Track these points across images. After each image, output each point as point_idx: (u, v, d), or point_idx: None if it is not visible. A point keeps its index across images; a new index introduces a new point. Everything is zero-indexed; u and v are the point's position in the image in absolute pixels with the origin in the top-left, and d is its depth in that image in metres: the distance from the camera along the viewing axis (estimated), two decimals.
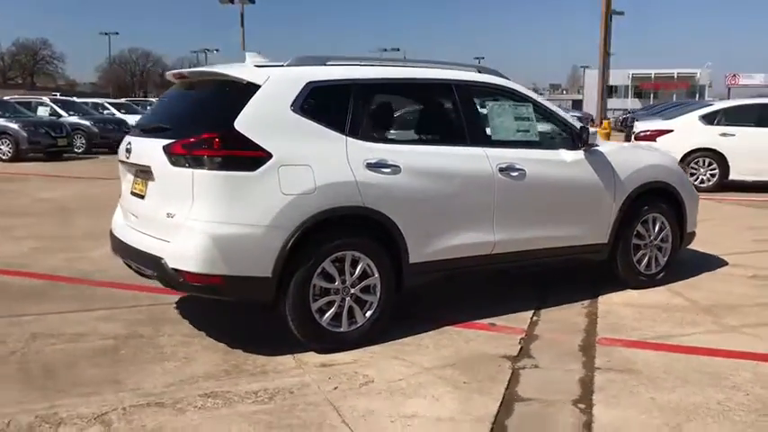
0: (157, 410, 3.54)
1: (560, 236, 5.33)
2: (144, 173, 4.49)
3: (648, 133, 12.98)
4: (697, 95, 66.76)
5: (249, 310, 5.08)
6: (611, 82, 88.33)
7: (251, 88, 4.20)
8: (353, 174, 4.29)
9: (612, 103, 62.22)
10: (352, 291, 4.38)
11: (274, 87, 4.24)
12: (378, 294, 4.45)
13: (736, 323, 5.01)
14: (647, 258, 5.92)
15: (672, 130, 12.82)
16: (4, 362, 4.21)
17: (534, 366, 4.19)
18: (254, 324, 4.95)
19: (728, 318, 5.13)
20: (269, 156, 4.06)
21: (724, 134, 12.40)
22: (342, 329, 4.36)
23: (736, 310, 5.31)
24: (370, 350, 4.39)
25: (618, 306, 5.44)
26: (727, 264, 6.78)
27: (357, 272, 4.37)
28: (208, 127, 4.11)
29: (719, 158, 12.39)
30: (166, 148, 4.15)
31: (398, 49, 69.84)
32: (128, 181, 4.81)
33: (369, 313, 4.44)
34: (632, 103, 79.92)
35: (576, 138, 5.39)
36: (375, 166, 4.38)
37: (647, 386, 3.87)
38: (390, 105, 4.85)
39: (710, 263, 6.76)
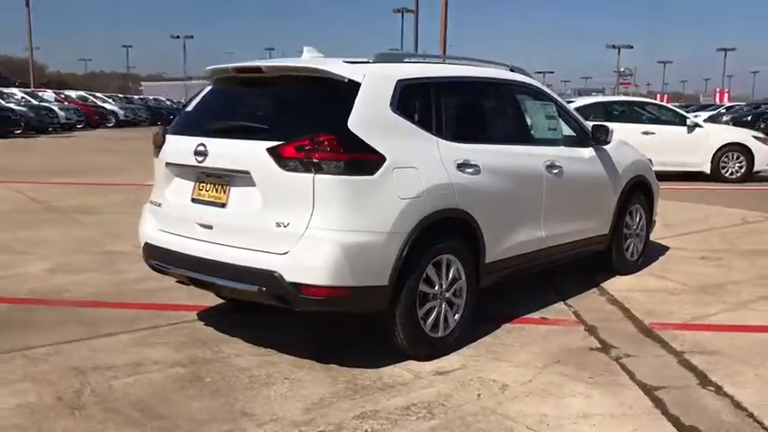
0: None
1: (582, 229, 5.60)
2: (224, 177, 4.01)
3: None
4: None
5: (284, 320, 4.75)
6: None
7: (351, 86, 3.92)
8: (449, 175, 4.19)
9: None
10: (447, 295, 4.27)
11: (374, 86, 4.00)
12: (464, 297, 4.38)
13: (737, 300, 5.59)
14: (632, 246, 6.39)
15: None
16: (80, 405, 3.55)
17: (627, 355, 4.36)
18: (306, 334, 4.67)
19: (727, 296, 5.71)
20: (383, 158, 3.83)
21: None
22: (439, 335, 4.25)
23: (724, 290, 5.91)
24: (463, 354, 4.31)
25: (626, 292, 5.81)
26: (668, 248, 7.50)
27: (450, 275, 4.27)
28: (319, 127, 3.77)
29: None
30: (274, 151, 3.74)
31: None
32: (182, 187, 4.26)
33: (457, 316, 4.37)
34: None
35: (590, 136, 5.67)
36: (462, 167, 4.30)
37: (741, 364, 4.21)
38: (465, 104, 4.77)
39: (654, 249, 7.41)
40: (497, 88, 5.05)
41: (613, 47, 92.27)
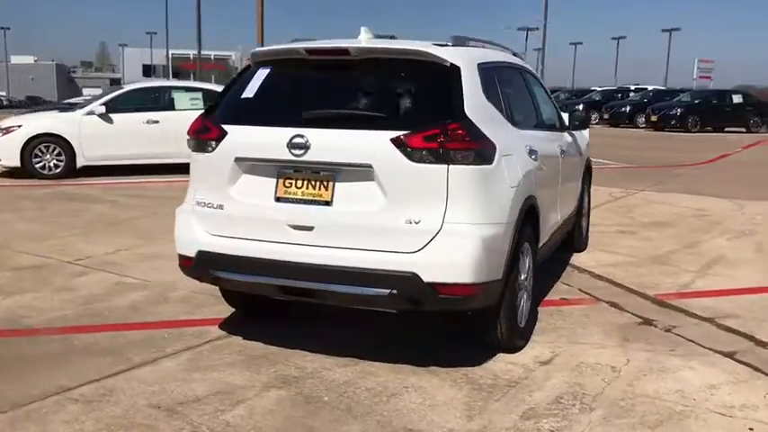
0: None
1: (569, 211, 5.85)
2: (324, 172, 3.57)
3: None
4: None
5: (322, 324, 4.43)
6: (153, 61, 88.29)
7: (454, 71, 3.70)
8: (529, 162, 4.16)
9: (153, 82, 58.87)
10: (526, 283, 4.24)
11: (470, 70, 3.81)
12: (530, 284, 4.38)
13: (695, 268, 6.20)
14: (585, 224, 6.81)
15: None
16: None
17: (672, 326, 4.63)
18: (360, 337, 4.37)
19: (682, 265, 6.31)
20: (495, 146, 3.68)
21: None
22: (522, 325, 4.20)
23: (673, 259, 6.52)
24: (538, 341, 4.30)
25: (600, 268, 6.16)
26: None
27: (527, 263, 4.25)
28: (439, 115, 3.53)
29: None
30: (402, 142, 3.41)
31: None
32: (257, 184, 3.71)
33: (529, 304, 4.35)
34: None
35: (566, 120, 5.91)
36: (530, 153, 4.29)
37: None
38: (515, 90, 4.69)
39: None
40: (524, 74, 5.07)
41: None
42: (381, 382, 3.66)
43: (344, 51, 3.76)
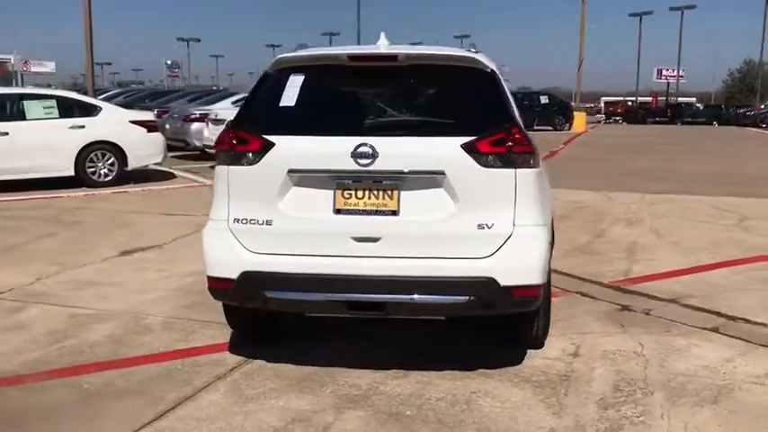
0: None
1: None
2: (388, 181, 3.47)
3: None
4: (14, 80, 61.98)
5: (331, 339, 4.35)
6: None
7: (492, 77, 3.77)
8: None
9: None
10: None
11: (500, 75, 3.91)
12: None
13: (619, 256, 6.76)
14: None
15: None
16: None
17: (650, 310, 5.01)
18: (376, 347, 4.30)
19: (611, 253, 6.85)
20: (536, 148, 3.81)
21: None
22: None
23: (596, 248, 7.07)
24: (552, 334, 4.47)
25: None
26: None
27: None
28: (496, 120, 3.58)
29: None
30: (472, 147, 3.42)
31: None
32: (311, 197, 3.52)
33: None
34: None
35: None
36: None
37: (735, 294, 5.26)
38: None
39: None
40: None
41: (182, 40, 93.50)
42: (446, 391, 3.64)
43: (393, 57, 3.68)
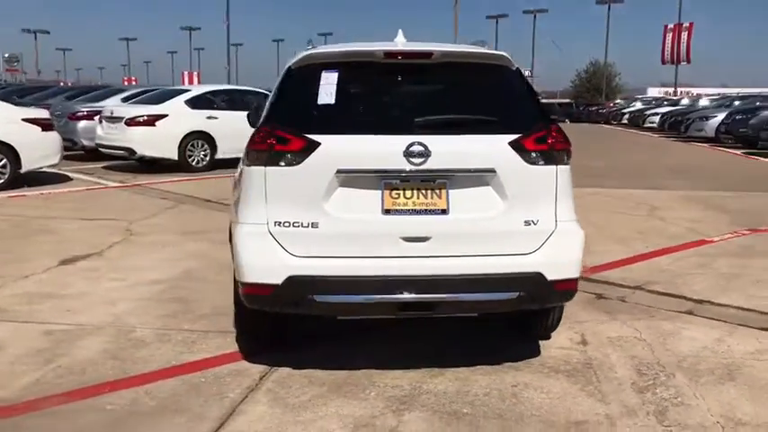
0: None
1: None
2: (437, 180, 3.45)
3: (145, 118, 12.87)
4: None
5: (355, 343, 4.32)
6: None
7: (518, 75, 3.86)
8: None
9: None
10: None
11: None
12: None
13: None
14: None
15: (166, 115, 13.07)
16: None
17: (624, 298, 5.32)
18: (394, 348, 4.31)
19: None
20: None
21: (210, 117, 13.49)
22: None
23: None
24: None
25: None
26: None
27: None
28: (533, 116, 3.67)
29: (209, 140, 13.43)
30: (519, 145, 3.47)
31: None
32: (358, 197, 3.43)
33: None
34: None
35: None
36: None
37: (694, 276, 5.67)
38: None
39: None
40: None
41: (29, 31, 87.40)
42: (487, 386, 3.68)
43: (428, 54, 3.65)
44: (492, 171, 3.47)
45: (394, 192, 3.44)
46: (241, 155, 3.72)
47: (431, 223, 3.44)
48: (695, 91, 58.74)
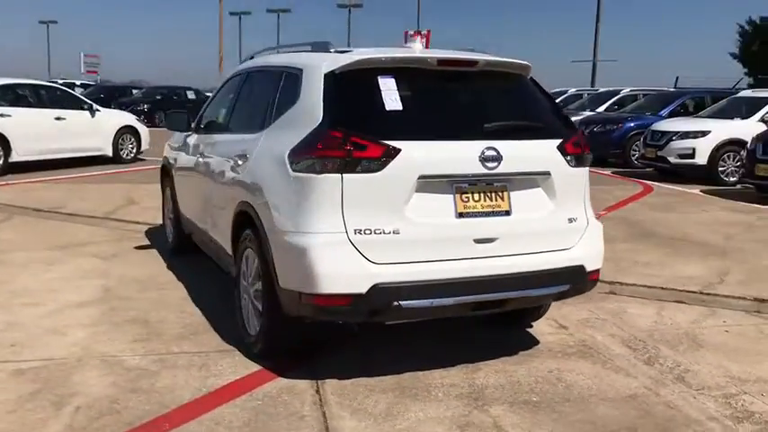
0: None
1: None
2: (499, 183, 3.62)
3: None
4: None
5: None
6: None
7: (535, 83, 4.17)
8: None
9: None
10: None
11: None
12: None
13: None
14: None
15: None
16: None
17: None
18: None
19: None
20: None
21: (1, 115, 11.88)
22: None
23: None
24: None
25: None
26: None
27: None
28: (562, 121, 4.02)
29: (2, 140, 11.83)
30: (564, 149, 3.78)
31: None
32: (432, 202, 3.48)
33: None
34: None
35: None
36: None
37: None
38: None
39: None
40: None
41: None
42: (530, 374, 3.93)
43: (473, 63, 3.79)
44: (547, 173, 3.73)
45: (464, 195, 3.55)
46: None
47: (497, 224, 3.61)
48: None
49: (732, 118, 14.27)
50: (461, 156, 3.52)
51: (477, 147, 3.52)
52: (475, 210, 3.57)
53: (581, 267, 3.83)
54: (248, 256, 4.06)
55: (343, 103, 3.55)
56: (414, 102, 3.59)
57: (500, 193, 3.64)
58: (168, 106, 29.16)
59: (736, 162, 13.51)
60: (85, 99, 14.15)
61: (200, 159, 5.17)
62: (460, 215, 3.54)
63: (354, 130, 3.40)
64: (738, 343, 4.57)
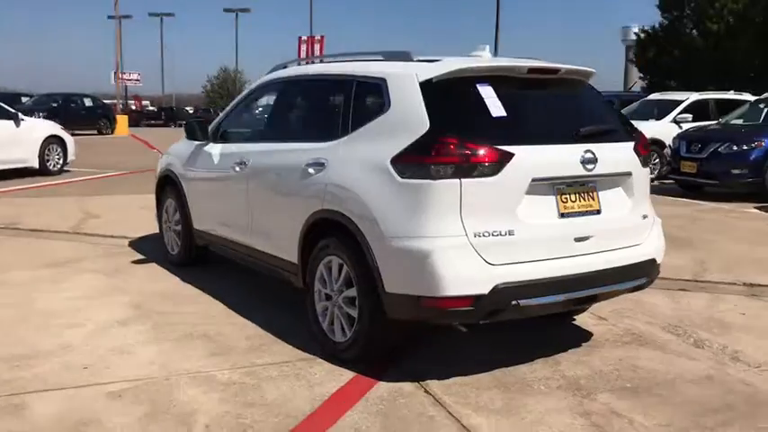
0: None
1: None
2: (589, 183, 3.85)
3: None
4: None
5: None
6: None
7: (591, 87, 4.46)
8: None
9: None
10: None
11: None
12: None
13: None
14: None
15: None
16: None
17: None
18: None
19: None
20: None
21: None
22: None
23: None
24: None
25: None
26: None
27: None
28: (624, 124, 4.32)
29: None
30: (638, 150, 4.07)
31: None
32: (539, 203, 3.66)
33: None
34: None
35: None
36: None
37: None
38: None
39: None
40: None
41: None
42: (608, 364, 4.15)
43: (556, 71, 4.00)
44: (629, 174, 4.01)
45: (563, 196, 3.76)
46: None
47: (591, 223, 3.84)
48: None
49: (647, 119, 15.31)
50: (565, 159, 3.73)
51: (577, 150, 3.75)
52: (573, 210, 3.79)
53: (654, 261, 4.13)
54: (331, 263, 4.08)
55: (448, 111, 3.67)
56: (511, 108, 3.76)
57: (591, 194, 3.87)
58: (66, 114, 27.84)
59: (655, 160, 14.53)
60: (9, 108, 13.26)
61: (237, 170, 5.07)
62: (562, 215, 3.75)
63: (465, 136, 3.52)
64: (760, 323, 5.03)
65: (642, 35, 35.86)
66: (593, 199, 3.88)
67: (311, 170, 4.23)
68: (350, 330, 3.99)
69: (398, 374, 3.91)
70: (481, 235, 3.50)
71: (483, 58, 4.14)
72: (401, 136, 3.68)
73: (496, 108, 3.66)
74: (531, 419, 3.43)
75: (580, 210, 3.82)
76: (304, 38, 65.22)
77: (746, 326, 4.96)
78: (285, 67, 5.23)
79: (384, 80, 3.96)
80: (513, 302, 3.55)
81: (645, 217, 4.16)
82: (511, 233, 3.56)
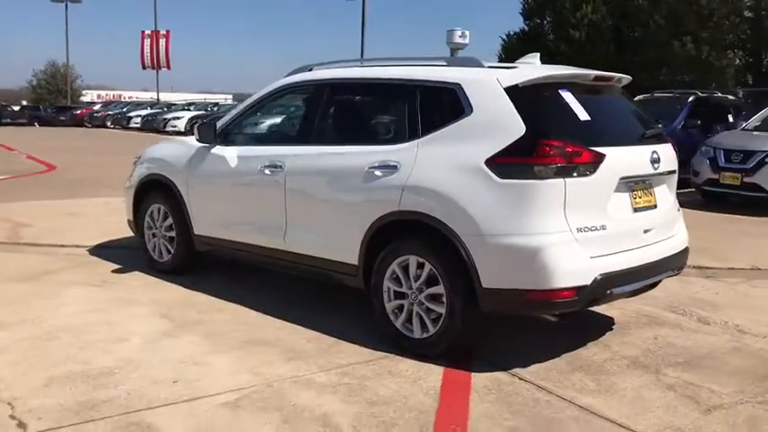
0: None
1: None
2: (648, 181, 4.30)
3: None
4: None
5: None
6: None
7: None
8: None
9: None
10: None
11: None
12: None
13: None
14: None
15: None
16: None
17: None
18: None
19: None
20: None
21: None
22: None
23: None
24: None
25: None
26: None
27: None
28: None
29: None
30: (674, 150, 4.60)
31: None
32: (619, 200, 4.07)
33: None
34: None
35: None
36: None
37: None
38: None
39: None
40: None
41: None
42: (646, 343, 4.62)
43: (611, 78, 4.42)
44: (674, 172, 4.52)
45: (634, 192, 4.19)
46: None
47: (652, 216, 4.31)
48: (177, 96, 62.14)
49: None
50: (641, 158, 4.20)
51: (647, 150, 4.24)
52: (641, 205, 4.23)
53: (687, 249, 4.67)
54: (408, 263, 4.20)
55: (539, 114, 3.96)
56: (591, 111, 4.10)
57: (650, 190, 4.33)
58: None
59: None
60: None
61: (268, 172, 5.00)
62: (635, 210, 4.17)
63: (560, 139, 3.82)
64: (737, 300, 5.75)
65: (507, 39, 38.05)
66: (652, 195, 4.35)
67: (378, 173, 4.31)
68: (433, 326, 4.13)
69: (484, 366, 4.12)
70: (582, 230, 3.82)
71: (557, 66, 4.47)
72: (490, 139, 3.90)
73: (582, 112, 3.99)
74: (631, 396, 3.78)
75: (645, 205, 4.27)
76: (147, 32, 62.37)
77: (728, 303, 5.65)
78: (311, 70, 5.23)
79: (459, 85, 4.15)
80: (608, 291, 3.91)
81: (678, 210, 4.69)
82: (603, 227, 3.92)
